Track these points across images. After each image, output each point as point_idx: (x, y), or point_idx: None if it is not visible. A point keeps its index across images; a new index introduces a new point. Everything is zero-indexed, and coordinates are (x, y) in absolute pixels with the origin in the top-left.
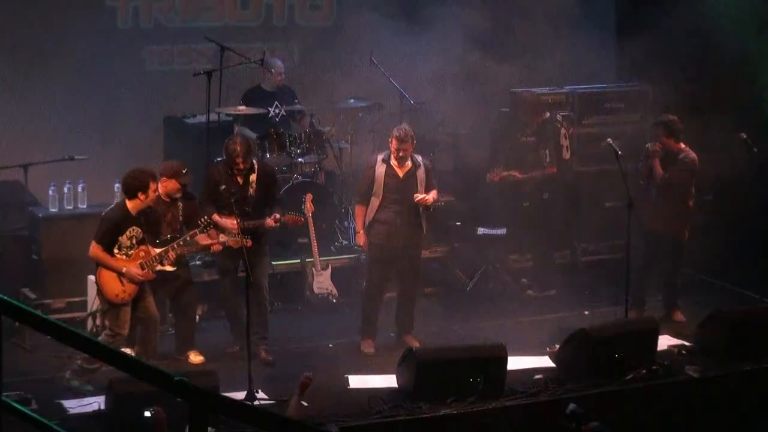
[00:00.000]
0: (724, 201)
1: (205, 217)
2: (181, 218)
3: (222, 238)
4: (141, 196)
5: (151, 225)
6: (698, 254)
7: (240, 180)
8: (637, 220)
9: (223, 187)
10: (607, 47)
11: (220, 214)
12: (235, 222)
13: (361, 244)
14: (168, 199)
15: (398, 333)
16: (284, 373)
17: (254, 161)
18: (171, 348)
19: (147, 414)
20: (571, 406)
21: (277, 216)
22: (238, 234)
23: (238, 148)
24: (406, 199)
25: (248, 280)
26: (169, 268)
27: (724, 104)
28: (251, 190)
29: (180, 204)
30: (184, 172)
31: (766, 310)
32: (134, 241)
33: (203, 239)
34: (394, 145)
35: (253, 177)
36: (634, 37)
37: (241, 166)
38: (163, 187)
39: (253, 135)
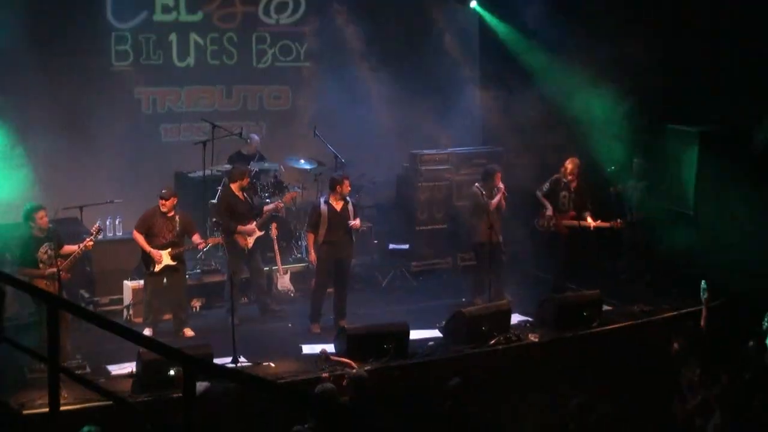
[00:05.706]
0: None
1: (97, 225)
2: (178, 227)
3: (249, 240)
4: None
5: (158, 232)
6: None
7: (242, 197)
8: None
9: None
10: (474, 117)
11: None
12: (252, 226)
13: (312, 260)
14: (171, 213)
15: (335, 318)
16: (259, 344)
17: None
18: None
19: (171, 372)
20: (455, 379)
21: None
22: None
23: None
24: (342, 225)
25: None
26: (171, 262)
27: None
28: (250, 201)
29: (177, 217)
30: (175, 196)
31: (582, 295)
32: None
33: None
34: (346, 186)
35: (246, 194)
36: (493, 107)
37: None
38: (168, 204)
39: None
